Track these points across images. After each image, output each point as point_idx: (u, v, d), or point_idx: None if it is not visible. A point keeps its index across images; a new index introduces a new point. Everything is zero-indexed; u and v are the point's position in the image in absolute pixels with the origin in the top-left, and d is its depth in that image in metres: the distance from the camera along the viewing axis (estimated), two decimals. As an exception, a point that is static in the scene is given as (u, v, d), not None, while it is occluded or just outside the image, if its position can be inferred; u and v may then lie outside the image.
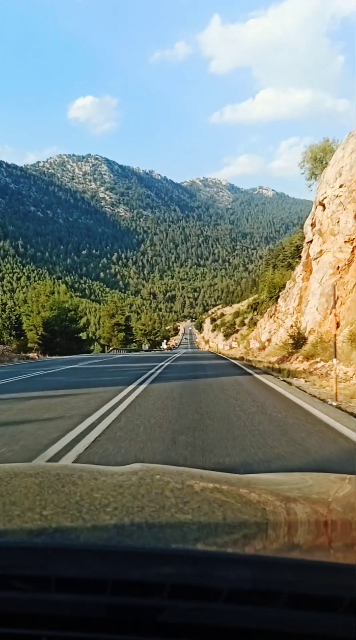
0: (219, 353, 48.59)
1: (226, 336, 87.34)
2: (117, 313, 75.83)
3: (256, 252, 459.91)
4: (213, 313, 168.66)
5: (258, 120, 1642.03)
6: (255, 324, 40.58)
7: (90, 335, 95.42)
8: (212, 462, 4.57)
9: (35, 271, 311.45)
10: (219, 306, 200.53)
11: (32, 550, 0.75)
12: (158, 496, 1.17)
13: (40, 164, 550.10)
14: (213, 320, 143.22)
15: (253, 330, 69.68)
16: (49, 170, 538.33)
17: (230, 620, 0.67)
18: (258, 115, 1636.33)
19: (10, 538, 0.82)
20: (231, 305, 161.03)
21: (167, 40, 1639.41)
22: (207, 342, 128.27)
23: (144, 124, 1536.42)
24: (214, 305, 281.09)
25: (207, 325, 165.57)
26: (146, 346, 77.56)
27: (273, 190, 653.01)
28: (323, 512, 1.08)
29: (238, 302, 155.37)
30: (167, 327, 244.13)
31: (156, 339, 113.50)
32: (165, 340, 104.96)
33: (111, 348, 68.77)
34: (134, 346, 79.42)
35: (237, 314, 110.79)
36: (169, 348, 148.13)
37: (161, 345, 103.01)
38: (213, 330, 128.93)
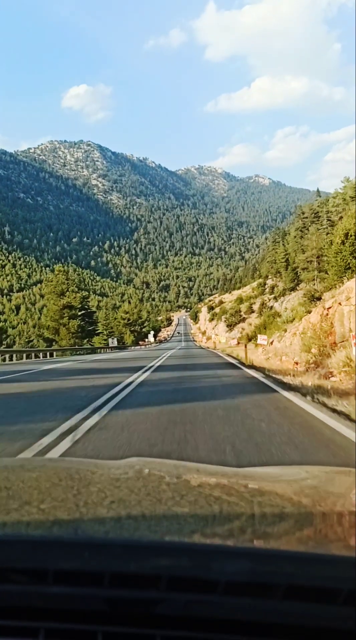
0: (228, 355, 28.36)
1: (230, 327, 67.60)
2: (70, 290, 52.19)
3: (253, 241, 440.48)
4: (210, 301, 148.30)
5: (254, 109, 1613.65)
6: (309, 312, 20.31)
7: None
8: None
9: (21, 259, 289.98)
10: (217, 294, 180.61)
11: (29, 543, 0.75)
12: (155, 489, 1.16)
13: (31, 150, 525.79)
14: (211, 308, 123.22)
15: (270, 320, 50.18)
16: (40, 157, 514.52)
17: (228, 613, 0.67)
18: (254, 104, 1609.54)
19: (8, 531, 0.82)
20: (230, 293, 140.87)
21: (161, 27, 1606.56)
22: (204, 333, 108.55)
23: (139, 112, 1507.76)
24: (210, 295, 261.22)
25: (203, 314, 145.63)
26: (113, 342, 55.08)
27: (269, 178, 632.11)
28: (320, 505, 1.07)
29: (239, 288, 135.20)
30: (159, 318, 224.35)
31: (143, 329, 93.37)
32: (152, 332, 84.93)
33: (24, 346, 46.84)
34: (103, 342, 58.65)
35: (240, 300, 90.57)
36: (159, 341, 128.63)
37: (147, 338, 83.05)
38: (211, 319, 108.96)
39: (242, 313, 67.26)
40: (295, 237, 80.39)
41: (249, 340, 52.67)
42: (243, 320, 67.76)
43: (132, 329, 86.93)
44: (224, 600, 0.66)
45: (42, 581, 0.68)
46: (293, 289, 70.73)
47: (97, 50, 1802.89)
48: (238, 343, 50.84)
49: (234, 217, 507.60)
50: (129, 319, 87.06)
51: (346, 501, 1.12)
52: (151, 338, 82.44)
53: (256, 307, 72.68)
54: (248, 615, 0.67)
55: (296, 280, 71.93)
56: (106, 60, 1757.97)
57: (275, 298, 69.17)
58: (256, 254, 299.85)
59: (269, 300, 68.00)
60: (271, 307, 65.12)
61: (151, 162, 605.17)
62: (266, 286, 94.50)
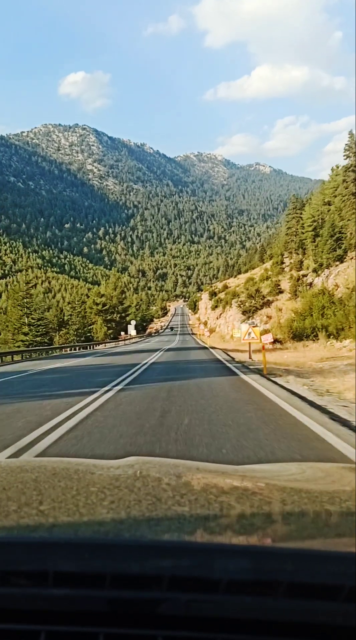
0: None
1: (247, 313, 43.37)
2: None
3: (254, 229, 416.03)
4: (212, 287, 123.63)
5: (253, 98, 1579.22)
6: None
7: (53, 319, 51.01)
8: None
9: (7, 243, 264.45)
10: (218, 281, 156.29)
11: (29, 545, 0.74)
12: (155, 489, 1.14)
13: (24, 134, 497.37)
14: (213, 294, 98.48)
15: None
16: (34, 141, 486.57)
17: (230, 612, 0.66)
18: (253, 92, 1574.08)
19: (7, 533, 0.80)
20: (236, 277, 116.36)
21: (160, 13, 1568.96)
22: (205, 324, 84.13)
23: (137, 100, 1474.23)
24: (210, 284, 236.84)
25: (204, 303, 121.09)
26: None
27: (270, 166, 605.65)
28: (321, 502, 1.05)
29: (246, 271, 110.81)
30: (153, 308, 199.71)
31: (127, 317, 68.70)
32: (132, 323, 60.55)
33: None
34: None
35: (251, 282, 65.86)
36: (149, 334, 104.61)
37: (127, 331, 58.82)
38: (214, 307, 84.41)
39: (262, 293, 43.76)
40: (344, 198, 56.13)
41: (299, 337, 28.44)
42: (267, 303, 43.50)
43: (108, 317, 62.23)
44: (226, 599, 0.66)
45: (42, 583, 0.67)
46: (340, 260, 46.84)
47: (95, 36, 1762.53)
48: (274, 342, 26.68)
49: (234, 205, 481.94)
50: (105, 304, 62.37)
51: (348, 498, 1.10)
52: (131, 330, 58.08)
53: (285, 286, 48.52)
54: (250, 614, 0.65)
55: (337, 250, 47.98)
56: (105, 46, 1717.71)
57: (315, 271, 45.13)
58: (258, 242, 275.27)
59: (307, 275, 44.21)
60: (311, 284, 41.86)
61: (148, 148, 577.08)
62: (286, 264, 70.25)
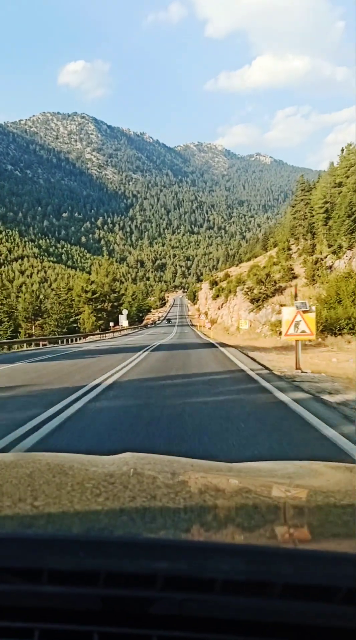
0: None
1: (256, 302, 36.72)
2: None
3: (254, 220, 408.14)
4: (213, 276, 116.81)
5: (254, 89, 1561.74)
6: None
7: (27, 306, 44.19)
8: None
9: (3, 232, 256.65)
10: (219, 271, 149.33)
11: (23, 542, 0.72)
12: (149, 486, 1.13)
13: (22, 122, 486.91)
14: (214, 283, 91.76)
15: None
16: (32, 129, 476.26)
17: (224, 612, 0.64)
18: (254, 82, 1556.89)
19: (1, 529, 0.79)
20: (237, 265, 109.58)
21: (161, 1, 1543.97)
22: (206, 314, 77.43)
23: (137, 90, 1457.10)
24: (210, 274, 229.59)
25: (204, 293, 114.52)
26: None
27: (271, 157, 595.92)
28: (317, 501, 1.03)
29: (248, 259, 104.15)
30: (151, 298, 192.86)
31: (121, 307, 61.97)
32: (124, 312, 53.71)
33: None
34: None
35: (256, 268, 59.19)
36: (145, 325, 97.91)
37: (118, 322, 52.15)
38: (216, 297, 77.76)
39: (276, 280, 37.15)
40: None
41: (330, 329, 21.47)
42: (280, 290, 36.87)
43: (98, 306, 55.47)
44: (220, 600, 0.64)
45: (36, 581, 0.66)
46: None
47: (95, 24, 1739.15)
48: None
49: (234, 196, 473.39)
50: (95, 292, 55.56)
51: (344, 497, 1.07)
52: (123, 321, 51.40)
53: (299, 270, 41.89)
54: (245, 615, 0.64)
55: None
56: (104, 35, 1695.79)
57: (335, 253, 38.48)
58: (258, 233, 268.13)
59: (326, 258, 37.66)
60: (331, 267, 35.45)
61: (148, 137, 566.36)
62: (293, 251, 63.73)
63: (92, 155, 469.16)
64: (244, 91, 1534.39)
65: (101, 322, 54.05)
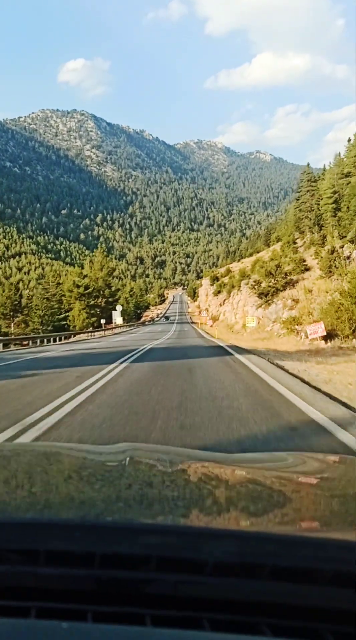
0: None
1: (265, 296, 32.46)
2: None
3: (254, 217, 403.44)
4: (214, 271, 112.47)
5: (254, 87, 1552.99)
6: None
7: (5, 301, 39.76)
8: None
9: (0, 229, 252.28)
10: (220, 266, 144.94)
11: (21, 525, 0.74)
12: (145, 474, 1.13)
13: (21, 119, 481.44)
14: (215, 279, 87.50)
15: None
16: (31, 126, 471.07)
17: (216, 592, 0.66)
18: (254, 80, 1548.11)
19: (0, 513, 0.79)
20: (239, 261, 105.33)
21: None
22: (207, 309, 73.13)
23: (137, 88, 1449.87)
24: (211, 270, 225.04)
25: (204, 289, 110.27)
26: None
27: (271, 154, 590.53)
28: (307, 489, 1.05)
29: (250, 255, 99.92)
30: (150, 295, 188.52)
31: (115, 302, 57.71)
32: (119, 308, 49.39)
33: None
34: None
35: (262, 262, 54.90)
36: (143, 322, 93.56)
37: (111, 319, 47.95)
38: (217, 292, 73.51)
39: (286, 273, 33.05)
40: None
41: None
42: (291, 284, 32.66)
43: (92, 302, 51.17)
44: (212, 581, 0.66)
45: (33, 562, 0.67)
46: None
47: (95, 22, 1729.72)
48: (325, 337, 16.14)
49: (234, 193, 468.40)
50: (87, 287, 51.26)
51: (332, 485, 1.09)
52: (117, 318, 47.14)
53: (311, 262, 37.61)
54: (235, 595, 0.66)
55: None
56: (104, 33, 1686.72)
57: (352, 242, 34.27)
58: (258, 230, 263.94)
59: (342, 248, 33.45)
60: (348, 257, 31.27)
61: (148, 134, 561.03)
62: (298, 245, 59.69)
63: (91, 152, 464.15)
64: (244, 89, 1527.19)
65: (93, 319, 49.81)
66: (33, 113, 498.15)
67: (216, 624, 0.64)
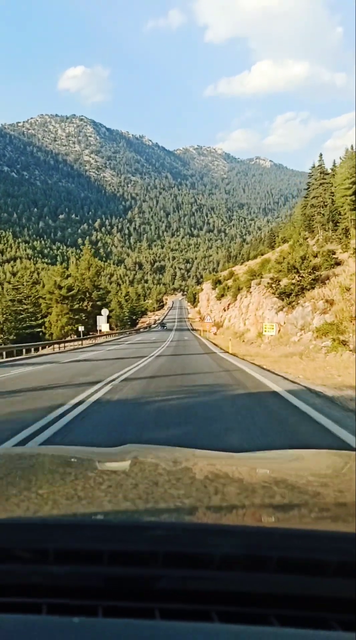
0: None
1: (282, 297, 24.58)
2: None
3: (254, 223, 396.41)
4: (215, 275, 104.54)
5: (254, 94, 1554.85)
6: None
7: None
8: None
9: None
10: (220, 270, 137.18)
11: (29, 526, 0.75)
12: (151, 474, 1.14)
13: (19, 124, 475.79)
14: (217, 282, 79.56)
15: None
16: (29, 131, 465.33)
17: (223, 586, 0.67)
18: (254, 88, 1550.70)
19: (8, 515, 0.81)
20: (242, 264, 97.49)
21: (161, 7, 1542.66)
22: (209, 314, 65.27)
23: (137, 95, 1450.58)
24: (212, 274, 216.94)
25: (205, 294, 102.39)
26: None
27: (270, 161, 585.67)
28: (311, 485, 1.06)
29: (254, 257, 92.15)
30: (148, 301, 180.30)
31: (105, 306, 49.49)
32: (104, 313, 41.03)
33: None
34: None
35: (265, 263, 47.10)
36: (138, 330, 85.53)
37: (98, 328, 39.82)
38: (221, 296, 65.44)
39: (314, 267, 25.44)
40: None
41: None
42: (321, 281, 24.67)
43: (76, 306, 42.98)
44: (219, 575, 0.67)
45: (43, 561, 0.69)
46: None
47: (95, 30, 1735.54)
48: None
49: (234, 199, 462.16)
50: (71, 289, 43.07)
51: (333, 479, 1.11)
52: (103, 325, 38.94)
53: (342, 256, 29.69)
54: (242, 587, 0.67)
55: None
56: (104, 41, 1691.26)
57: None
58: (258, 236, 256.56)
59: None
60: None
61: (147, 140, 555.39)
62: (312, 244, 51.72)
63: (90, 157, 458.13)
64: (244, 96, 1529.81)
65: (78, 325, 41.65)
66: (32, 118, 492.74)
67: (224, 615, 0.65)
